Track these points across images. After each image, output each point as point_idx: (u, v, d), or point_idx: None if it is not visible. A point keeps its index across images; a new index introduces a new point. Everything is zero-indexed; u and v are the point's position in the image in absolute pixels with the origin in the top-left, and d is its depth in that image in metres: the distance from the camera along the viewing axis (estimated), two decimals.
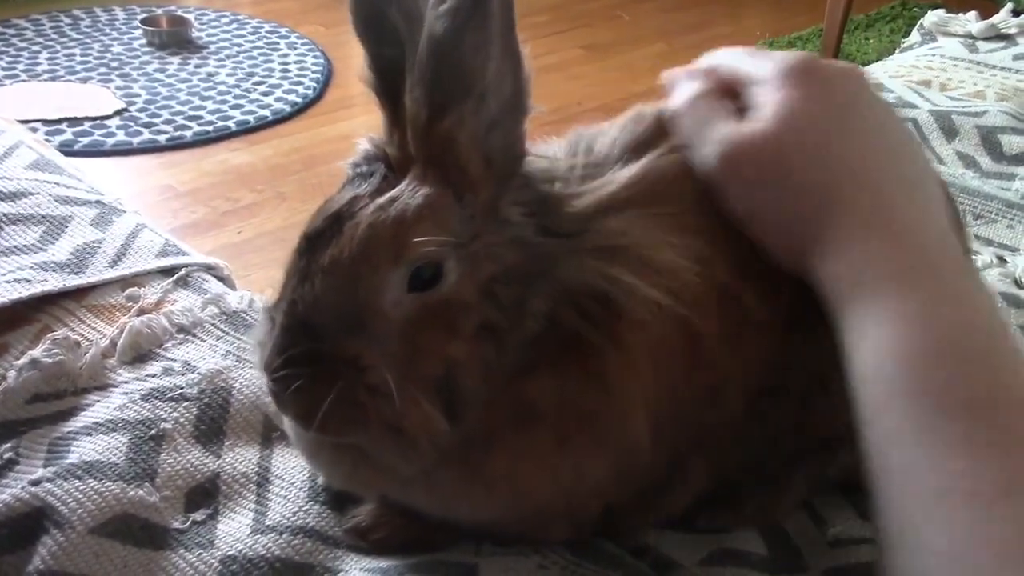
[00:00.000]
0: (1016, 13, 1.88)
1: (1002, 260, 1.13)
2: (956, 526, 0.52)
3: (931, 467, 0.55)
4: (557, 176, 0.68)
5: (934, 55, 1.76)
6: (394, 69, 0.61)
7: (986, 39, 1.81)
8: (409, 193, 0.59)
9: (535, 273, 0.61)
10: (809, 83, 0.68)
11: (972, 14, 1.89)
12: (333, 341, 0.58)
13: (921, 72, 1.68)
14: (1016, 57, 1.73)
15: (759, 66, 0.71)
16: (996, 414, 0.55)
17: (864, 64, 2.07)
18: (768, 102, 0.67)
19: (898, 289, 0.60)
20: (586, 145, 0.72)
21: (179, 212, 2.81)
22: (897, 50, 1.98)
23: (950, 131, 1.43)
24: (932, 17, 1.91)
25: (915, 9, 4.53)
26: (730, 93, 0.72)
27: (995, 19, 1.84)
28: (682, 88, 0.73)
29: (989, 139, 1.41)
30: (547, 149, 0.73)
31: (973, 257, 1.12)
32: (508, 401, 0.62)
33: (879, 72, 1.70)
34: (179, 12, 4.16)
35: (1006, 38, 1.81)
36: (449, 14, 0.56)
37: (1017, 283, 1.09)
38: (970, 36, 1.83)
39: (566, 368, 0.62)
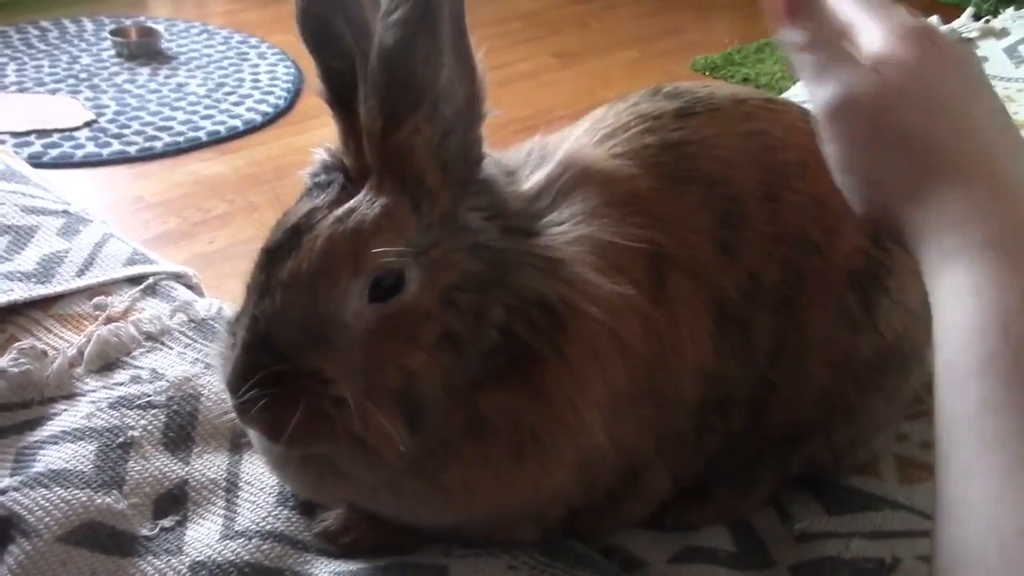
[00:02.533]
0: (976, 18, 1.91)
1: None
2: None
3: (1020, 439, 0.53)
4: (511, 176, 0.69)
5: None
6: (345, 79, 0.62)
7: None
8: (367, 204, 0.59)
9: (492, 280, 0.62)
10: (926, 45, 0.67)
11: (934, 19, 1.91)
12: (295, 356, 0.58)
13: None
14: None
15: (879, 21, 0.70)
16: None
17: None
18: (887, 57, 0.67)
19: (1000, 258, 0.58)
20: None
21: (150, 223, 2.79)
22: None
23: None
24: None
25: None
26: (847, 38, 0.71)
27: (956, 24, 1.87)
28: (805, 31, 0.71)
29: None
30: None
31: None
32: (463, 414, 0.62)
33: None
34: (148, 23, 4.13)
35: (967, 42, 1.83)
36: (399, 24, 0.56)
37: None
38: None
39: (515, 385, 0.62)
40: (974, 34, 1.84)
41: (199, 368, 0.87)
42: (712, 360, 0.68)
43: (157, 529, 0.73)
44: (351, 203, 0.60)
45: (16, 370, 0.84)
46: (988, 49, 1.79)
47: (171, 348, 0.90)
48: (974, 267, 0.58)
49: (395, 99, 0.58)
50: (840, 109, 0.67)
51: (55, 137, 3.17)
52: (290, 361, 0.58)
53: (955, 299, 0.59)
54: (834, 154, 0.67)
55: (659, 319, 0.66)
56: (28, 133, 3.16)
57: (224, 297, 1.03)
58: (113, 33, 3.92)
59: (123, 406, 0.81)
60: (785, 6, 0.72)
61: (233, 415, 0.61)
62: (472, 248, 0.62)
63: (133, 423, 0.80)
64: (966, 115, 0.66)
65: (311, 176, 0.65)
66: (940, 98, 0.66)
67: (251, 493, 0.77)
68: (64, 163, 3.04)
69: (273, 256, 0.61)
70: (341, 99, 0.63)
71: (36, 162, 2.88)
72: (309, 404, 0.58)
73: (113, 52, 3.87)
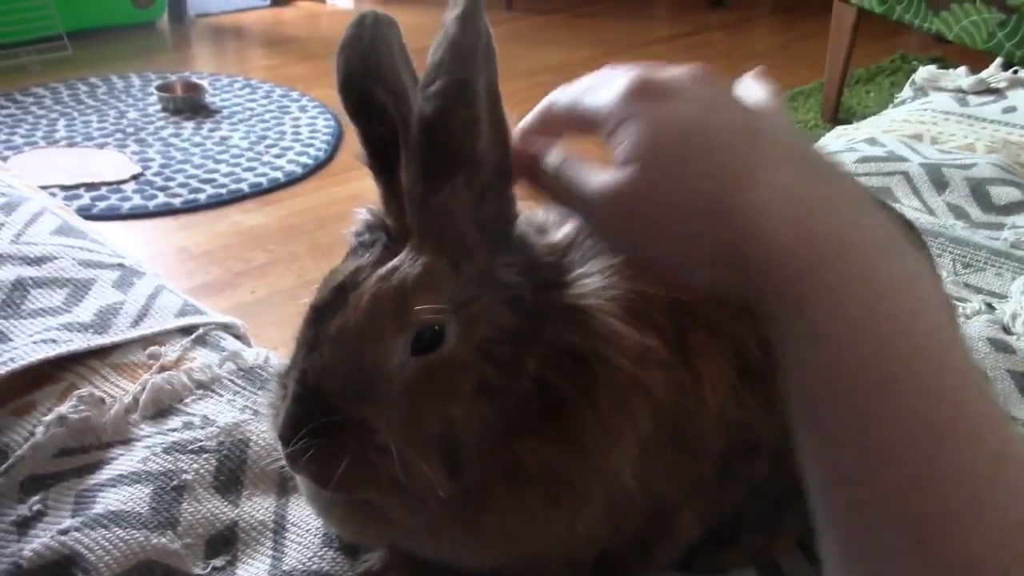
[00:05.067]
0: (1006, 67, 1.93)
1: (990, 307, 1.16)
2: None
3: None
4: (542, 229, 0.72)
5: (926, 109, 1.81)
6: (386, 144, 0.65)
7: (976, 93, 1.86)
8: (409, 263, 0.62)
9: (526, 332, 0.65)
10: (652, 103, 0.60)
11: (962, 69, 1.94)
12: (342, 407, 0.62)
13: (913, 126, 1.73)
14: (1005, 110, 1.78)
15: (598, 101, 0.62)
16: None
17: (864, 117, 2.11)
18: (620, 142, 0.59)
19: (794, 314, 0.54)
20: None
21: (194, 273, 2.86)
22: (890, 105, 2.03)
23: (940, 183, 1.47)
24: (923, 73, 1.96)
25: (914, 62, 4.58)
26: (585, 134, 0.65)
27: (984, 74, 1.89)
28: (547, 158, 0.66)
29: (979, 190, 1.45)
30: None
31: (962, 305, 1.16)
32: (501, 461, 0.65)
33: (873, 128, 1.75)
34: (193, 78, 4.26)
35: (995, 92, 1.86)
36: (438, 95, 0.59)
37: (1005, 329, 1.12)
38: (960, 90, 1.88)
39: (548, 432, 0.65)
40: (1002, 84, 1.86)
41: (248, 415, 0.91)
42: (735, 410, 0.71)
43: (209, 569, 0.77)
44: (394, 262, 0.63)
45: (76, 416, 0.89)
46: (1016, 99, 1.81)
47: (221, 396, 0.94)
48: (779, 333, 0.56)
49: (435, 165, 0.61)
50: (604, 229, 0.63)
51: (103, 190, 3.28)
52: (337, 412, 0.61)
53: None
54: (639, 262, 0.65)
55: (682, 371, 0.69)
56: (78, 186, 3.27)
57: (266, 345, 1.07)
58: (159, 88, 4.05)
59: (176, 451, 0.86)
60: (523, 176, 0.67)
61: (280, 461, 0.64)
62: (507, 302, 0.65)
63: (186, 467, 0.84)
64: (731, 156, 0.58)
65: (355, 236, 0.68)
66: (695, 155, 0.58)
67: (297, 535, 0.81)
68: (112, 215, 3.13)
69: (321, 313, 0.64)
70: (382, 163, 0.66)
71: (85, 214, 2.97)
72: (355, 452, 0.61)
73: (159, 107, 4.00)
